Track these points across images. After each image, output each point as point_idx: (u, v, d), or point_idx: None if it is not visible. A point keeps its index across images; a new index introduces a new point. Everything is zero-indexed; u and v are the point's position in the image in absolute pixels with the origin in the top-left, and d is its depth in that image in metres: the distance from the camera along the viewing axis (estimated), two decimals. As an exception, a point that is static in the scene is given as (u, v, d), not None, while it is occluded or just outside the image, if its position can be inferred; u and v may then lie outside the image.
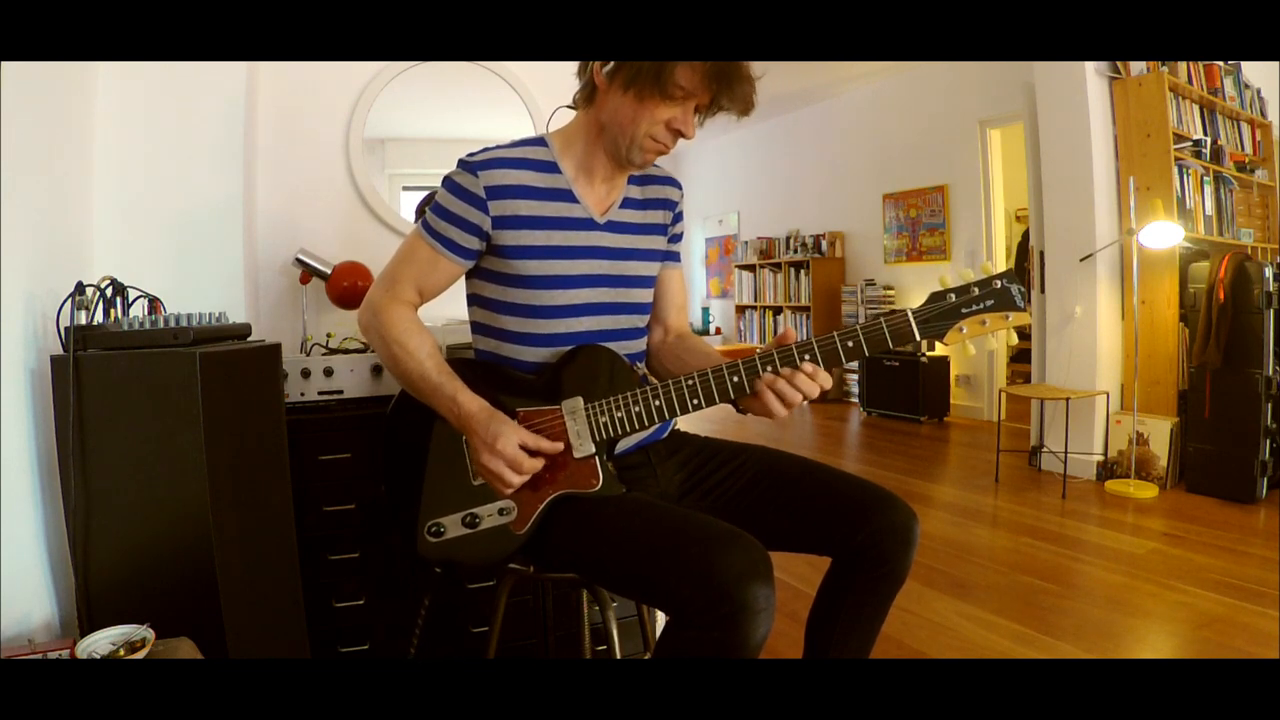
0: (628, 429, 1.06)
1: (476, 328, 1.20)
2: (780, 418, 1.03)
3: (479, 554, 1.09)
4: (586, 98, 1.13)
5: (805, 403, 1.02)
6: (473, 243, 1.11)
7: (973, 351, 1.00)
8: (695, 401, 1.04)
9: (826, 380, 1.01)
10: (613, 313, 1.17)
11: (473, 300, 1.19)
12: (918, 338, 0.97)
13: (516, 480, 1.04)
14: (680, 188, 1.29)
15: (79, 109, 1.35)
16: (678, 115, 1.07)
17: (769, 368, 1.01)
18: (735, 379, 1.03)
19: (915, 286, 5.64)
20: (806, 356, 1.00)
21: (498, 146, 1.14)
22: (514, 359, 1.14)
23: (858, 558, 1.07)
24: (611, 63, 1.06)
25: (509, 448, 1.02)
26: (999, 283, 0.95)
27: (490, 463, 1.03)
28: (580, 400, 1.08)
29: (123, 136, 1.45)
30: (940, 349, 5.29)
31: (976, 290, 0.96)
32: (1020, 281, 0.95)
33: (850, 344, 0.99)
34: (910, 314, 0.97)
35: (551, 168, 1.14)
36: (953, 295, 0.96)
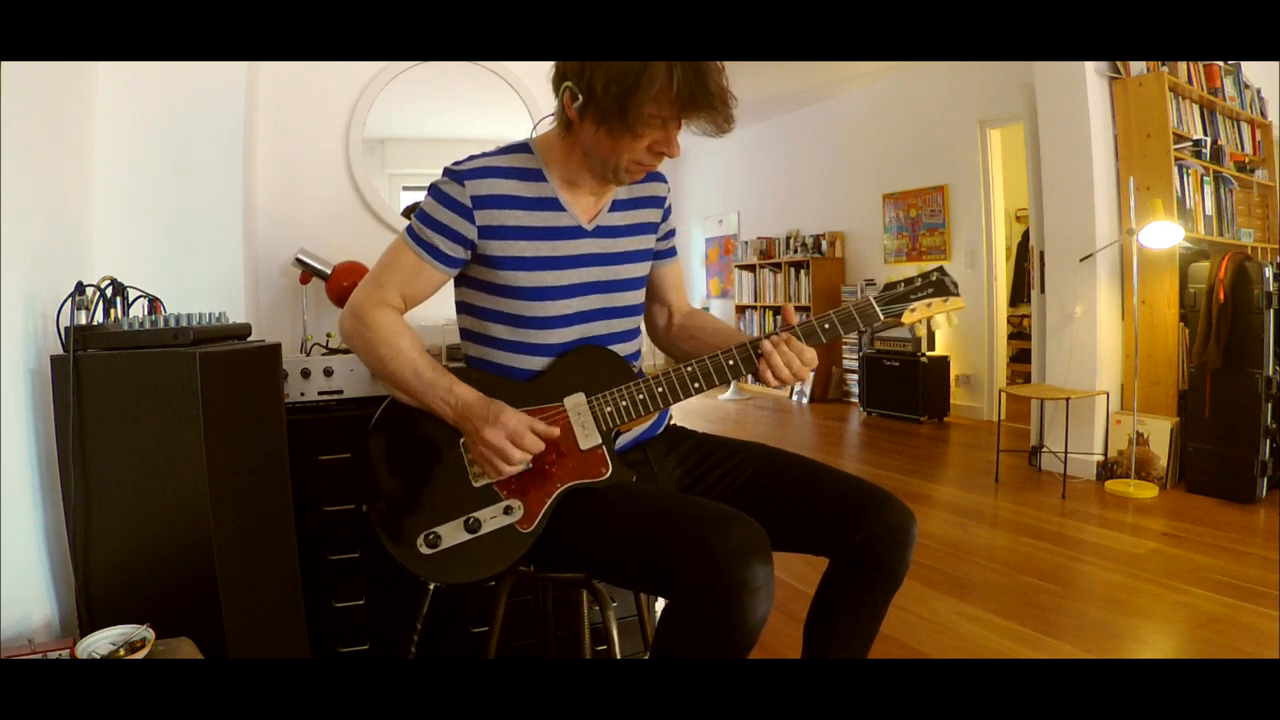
0: (633, 415, 1.08)
1: (466, 334, 1.19)
2: (771, 386, 1.11)
3: (482, 562, 1.06)
4: (564, 126, 1.09)
5: (797, 381, 1.11)
6: (458, 251, 1.10)
7: (923, 331, 1.15)
8: (696, 385, 1.09)
9: (811, 356, 1.10)
10: (604, 318, 1.17)
11: (462, 308, 1.19)
12: (881, 318, 1.15)
13: (517, 456, 1.02)
14: (666, 181, 1.27)
15: (79, 109, 1.35)
16: (659, 138, 1.04)
17: (762, 342, 1.09)
18: (731, 362, 1.09)
19: (915, 286, 5.63)
20: (767, 340, 1.10)
21: (484, 154, 1.13)
22: (505, 366, 1.14)
23: (855, 558, 1.07)
24: (580, 98, 1.02)
25: (511, 420, 1.03)
26: (935, 275, 1.19)
27: (492, 435, 1.02)
28: (582, 395, 1.09)
29: (123, 136, 1.45)
30: (941, 349, 5.30)
31: (920, 281, 1.19)
32: (950, 276, 1.19)
33: (826, 325, 1.12)
34: (873, 299, 1.15)
35: (538, 175, 1.13)
36: (902, 285, 1.19)
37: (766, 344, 1.08)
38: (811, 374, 6.17)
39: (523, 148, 1.15)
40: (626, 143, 1.04)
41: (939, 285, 1.17)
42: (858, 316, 1.12)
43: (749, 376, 1.11)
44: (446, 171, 1.10)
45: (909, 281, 1.20)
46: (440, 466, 1.10)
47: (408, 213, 1.69)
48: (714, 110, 1.01)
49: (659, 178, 1.26)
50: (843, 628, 1.10)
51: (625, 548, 1.00)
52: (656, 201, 1.25)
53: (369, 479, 1.12)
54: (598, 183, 1.15)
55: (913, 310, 1.17)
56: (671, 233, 1.31)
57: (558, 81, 1.06)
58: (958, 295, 1.18)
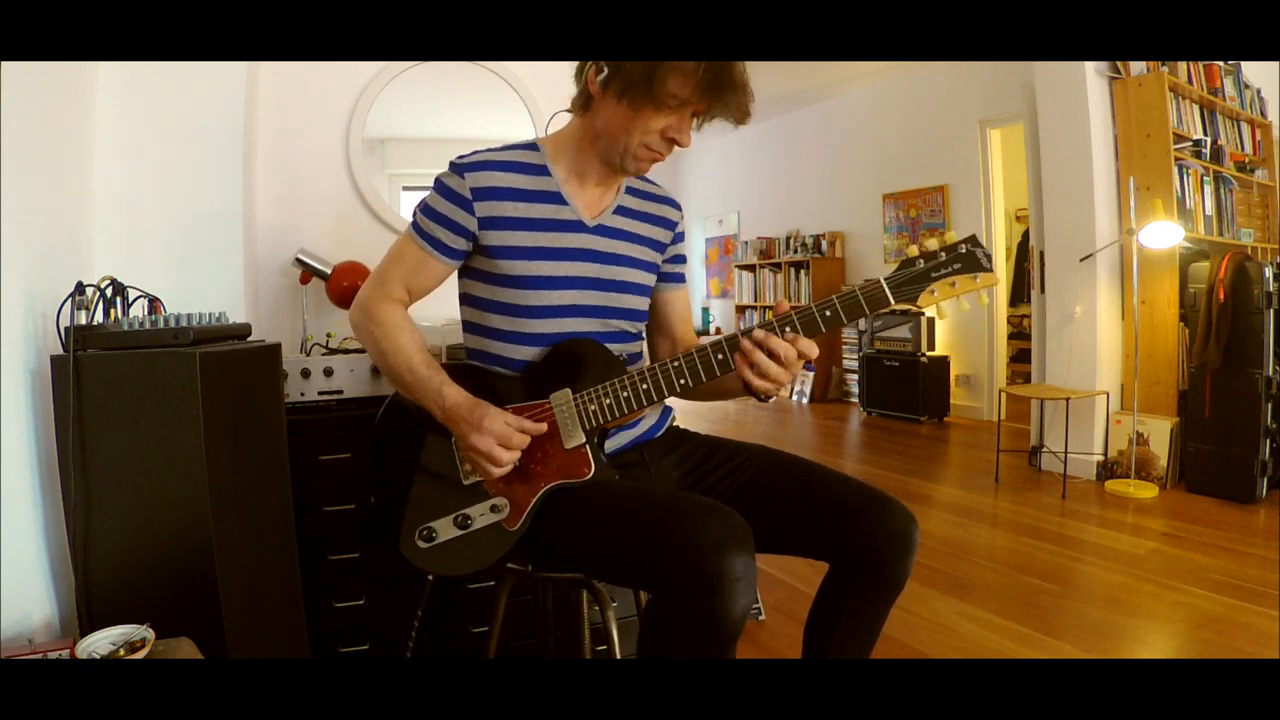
0: (616, 414, 1.07)
1: (467, 326, 1.21)
2: (764, 392, 1.02)
3: (473, 556, 1.08)
4: (582, 105, 1.13)
5: (794, 376, 1.02)
6: (459, 243, 1.12)
7: (947, 314, 1.02)
8: (682, 381, 1.05)
9: (809, 347, 1.01)
10: (601, 315, 1.18)
11: (464, 300, 1.20)
12: (892, 302, 1.00)
13: (506, 458, 1.04)
14: (680, 209, 1.31)
15: (79, 109, 1.35)
16: (672, 124, 1.07)
17: (747, 338, 1.02)
18: (719, 356, 1.04)
19: (915, 286, 5.63)
20: (786, 329, 1.01)
21: (488, 149, 1.15)
22: (502, 356, 1.15)
23: (856, 563, 1.06)
24: (605, 71, 1.05)
25: (496, 424, 1.03)
26: (964, 247, 1.00)
27: (479, 441, 1.03)
28: (568, 391, 1.09)
29: (123, 136, 1.45)
30: (941, 349, 5.30)
31: (944, 255, 1.01)
32: (984, 246, 1.01)
33: (828, 313, 1.01)
34: (883, 280, 1.01)
35: (541, 170, 1.15)
36: (922, 261, 1.01)
37: (746, 341, 1.01)
38: (811, 373, 6.19)
39: (529, 145, 1.18)
40: (645, 117, 1.05)
41: (968, 259, 0.99)
42: (865, 302, 1.00)
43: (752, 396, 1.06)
44: (450, 165, 1.13)
45: (930, 256, 1.00)
46: (435, 463, 1.11)
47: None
48: (735, 95, 1.04)
49: (675, 204, 1.29)
50: (842, 634, 1.10)
51: (606, 544, 1.00)
52: (668, 224, 1.27)
53: (372, 472, 1.14)
54: (606, 172, 1.16)
55: (932, 292, 1.00)
56: (681, 258, 1.32)
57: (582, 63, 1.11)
58: (991, 270, 0.99)
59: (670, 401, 1.23)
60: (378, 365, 1.14)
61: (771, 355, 1.00)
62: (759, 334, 1.01)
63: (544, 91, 2.24)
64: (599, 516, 1.03)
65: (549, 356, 1.13)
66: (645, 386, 1.06)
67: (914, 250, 1.03)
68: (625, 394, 1.07)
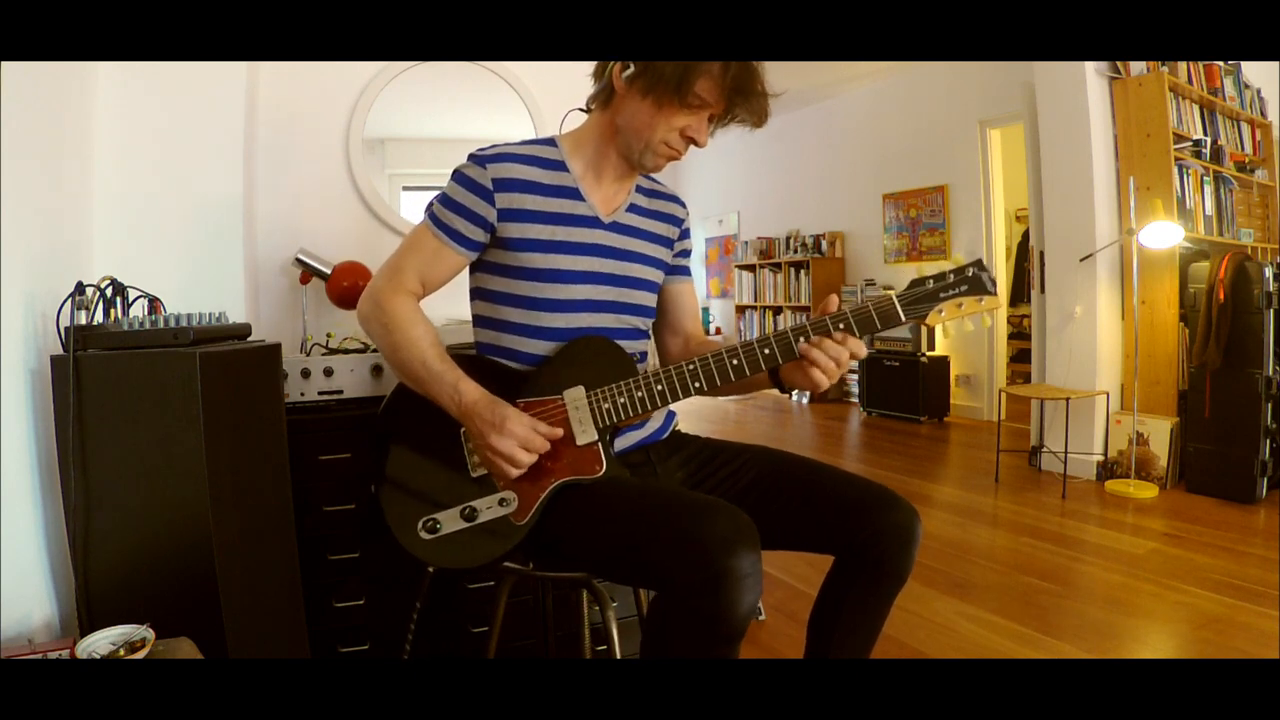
0: (630, 414, 1.08)
1: (478, 320, 1.21)
2: (820, 387, 1.06)
3: (478, 550, 1.08)
4: (604, 101, 1.15)
5: (840, 373, 1.07)
6: (478, 234, 1.13)
7: (953, 333, 1.07)
8: (697, 385, 1.07)
9: (859, 347, 1.06)
10: (613, 311, 1.18)
11: (475, 294, 1.21)
12: (903, 319, 1.06)
13: (527, 460, 1.04)
14: (685, 206, 1.33)
15: (79, 109, 1.35)
16: (693, 124, 1.10)
17: (799, 338, 1.05)
18: (734, 362, 1.06)
19: (915, 286, 5.63)
20: (801, 339, 1.05)
21: (506, 144, 1.17)
22: (514, 349, 1.16)
23: (859, 557, 1.07)
24: (632, 67, 1.07)
25: (519, 427, 1.03)
26: (971, 270, 1.06)
27: (500, 443, 1.02)
28: (582, 389, 1.09)
29: (123, 136, 1.45)
30: (941, 349, 5.30)
31: (952, 277, 1.06)
32: (990, 270, 1.06)
33: (841, 326, 1.05)
34: (894, 297, 1.05)
35: (560, 166, 1.17)
36: (931, 281, 1.07)
37: (804, 344, 1.04)
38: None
39: (547, 141, 1.20)
40: (668, 115, 1.08)
41: (974, 282, 1.05)
42: (877, 317, 1.05)
43: (789, 389, 1.10)
44: (470, 156, 1.14)
45: (939, 277, 1.07)
46: (442, 455, 1.11)
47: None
48: (757, 100, 1.08)
49: (680, 202, 1.32)
50: (845, 627, 1.10)
51: (613, 541, 1.00)
52: (675, 220, 1.30)
53: (377, 462, 1.13)
54: (622, 167, 1.18)
55: (940, 311, 1.06)
56: (687, 253, 1.34)
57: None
58: (994, 293, 1.06)
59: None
60: (386, 358, 1.13)
61: (834, 355, 1.05)
62: (815, 338, 1.05)
63: (544, 91, 2.24)
64: (608, 514, 1.03)
65: (562, 353, 1.13)
66: (660, 388, 1.08)
67: (924, 270, 1.09)
68: (640, 394, 1.08)
